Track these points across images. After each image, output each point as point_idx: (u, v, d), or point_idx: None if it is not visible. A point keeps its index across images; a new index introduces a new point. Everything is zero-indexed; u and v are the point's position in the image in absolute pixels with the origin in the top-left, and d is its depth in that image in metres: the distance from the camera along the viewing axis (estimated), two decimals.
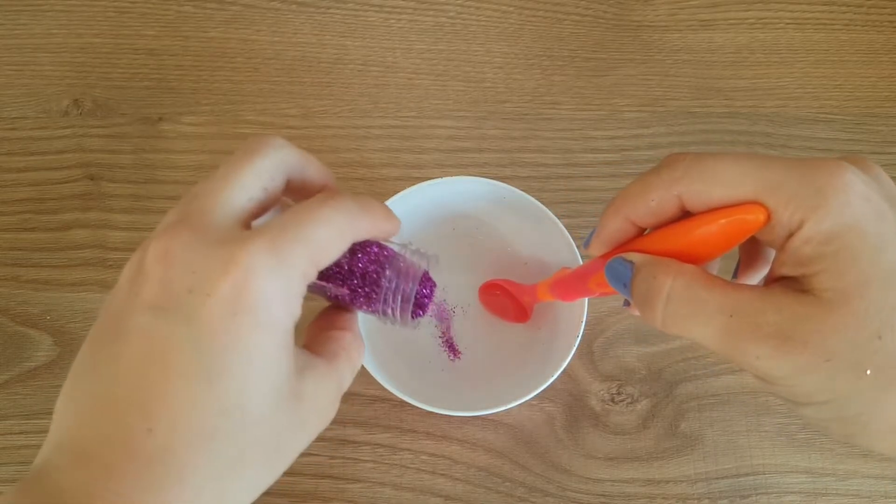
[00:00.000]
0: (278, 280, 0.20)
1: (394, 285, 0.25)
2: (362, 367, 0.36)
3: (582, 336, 0.36)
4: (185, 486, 0.19)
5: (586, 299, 0.37)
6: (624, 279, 0.24)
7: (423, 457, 0.42)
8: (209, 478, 0.19)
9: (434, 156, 0.49)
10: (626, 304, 0.27)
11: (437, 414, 0.36)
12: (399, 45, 0.53)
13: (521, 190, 0.39)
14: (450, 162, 0.49)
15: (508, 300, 0.42)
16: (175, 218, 0.21)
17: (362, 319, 0.41)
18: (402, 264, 0.26)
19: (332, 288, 0.25)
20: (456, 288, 0.44)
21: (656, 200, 0.23)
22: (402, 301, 0.25)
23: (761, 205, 0.21)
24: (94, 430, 0.19)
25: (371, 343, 0.41)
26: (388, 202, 0.39)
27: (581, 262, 0.38)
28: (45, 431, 0.41)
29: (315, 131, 0.50)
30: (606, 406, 0.43)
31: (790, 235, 0.21)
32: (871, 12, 0.55)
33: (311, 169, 0.24)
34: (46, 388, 0.42)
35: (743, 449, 0.43)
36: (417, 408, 0.36)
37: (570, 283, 0.34)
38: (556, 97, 0.52)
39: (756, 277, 0.26)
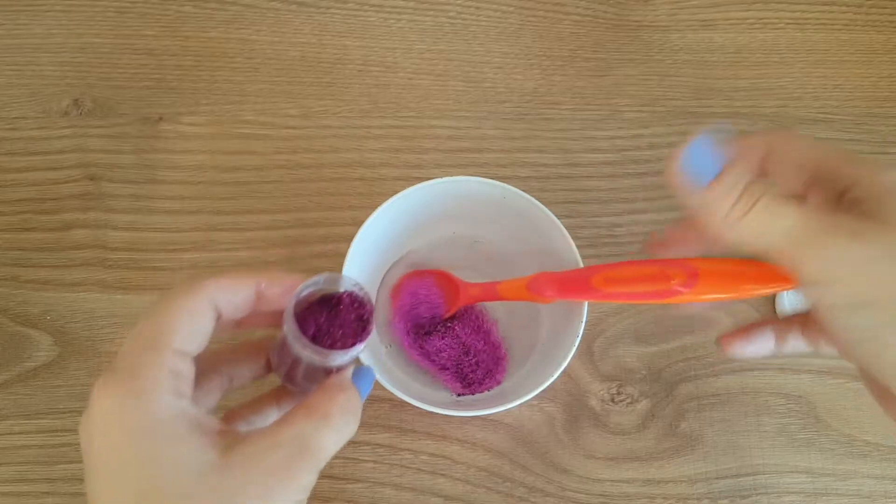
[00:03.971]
0: (132, 389, 0.22)
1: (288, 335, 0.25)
2: None
3: (582, 336, 0.36)
4: None
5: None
6: (712, 167, 0.24)
7: (423, 457, 0.42)
8: None
9: (434, 156, 0.49)
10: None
11: (437, 414, 0.36)
12: (399, 45, 0.53)
13: (522, 190, 0.39)
14: (450, 162, 0.49)
15: (439, 293, 0.42)
16: None
17: None
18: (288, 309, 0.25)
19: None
20: None
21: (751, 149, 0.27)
22: (300, 342, 0.25)
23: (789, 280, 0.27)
24: None
25: (370, 344, 0.41)
26: (388, 202, 0.39)
27: (581, 264, 0.38)
28: (45, 431, 0.42)
29: (315, 131, 0.50)
30: (606, 406, 0.43)
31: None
32: (871, 12, 0.55)
33: (241, 293, 0.26)
34: (46, 388, 0.42)
35: (743, 449, 0.43)
36: (417, 408, 0.36)
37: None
38: (556, 97, 0.52)
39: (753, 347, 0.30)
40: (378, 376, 0.36)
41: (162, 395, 0.22)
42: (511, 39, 0.53)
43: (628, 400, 0.44)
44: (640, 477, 0.42)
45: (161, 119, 0.50)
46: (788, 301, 0.44)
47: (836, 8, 0.55)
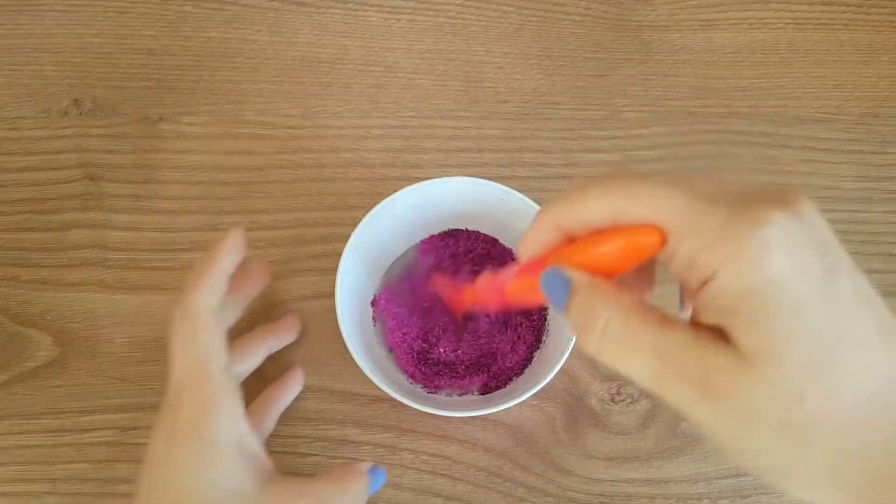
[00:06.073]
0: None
1: None
2: (361, 370, 0.36)
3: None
4: None
5: None
6: (561, 299, 0.23)
7: (423, 457, 0.42)
8: None
9: (434, 156, 0.49)
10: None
11: (437, 414, 0.36)
12: (399, 45, 0.53)
13: (522, 190, 0.39)
14: (450, 162, 0.49)
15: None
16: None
17: (357, 323, 0.41)
18: None
19: None
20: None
21: (591, 208, 0.22)
22: None
23: (657, 228, 0.20)
24: None
25: (368, 346, 0.41)
26: (386, 202, 0.39)
27: None
28: (45, 431, 0.41)
29: (315, 131, 0.50)
30: (606, 406, 0.43)
31: (705, 282, 0.20)
32: (871, 12, 0.55)
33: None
34: (46, 388, 0.42)
35: None
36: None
37: (486, 292, 0.31)
38: (556, 97, 0.52)
39: None
40: (376, 380, 0.36)
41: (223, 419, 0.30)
42: (511, 39, 0.53)
43: (628, 400, 0.44)
44: (641, 477, 0.42)
45: (161, 119, 0.50)
46: None
47: (836, 8, 0.55)
